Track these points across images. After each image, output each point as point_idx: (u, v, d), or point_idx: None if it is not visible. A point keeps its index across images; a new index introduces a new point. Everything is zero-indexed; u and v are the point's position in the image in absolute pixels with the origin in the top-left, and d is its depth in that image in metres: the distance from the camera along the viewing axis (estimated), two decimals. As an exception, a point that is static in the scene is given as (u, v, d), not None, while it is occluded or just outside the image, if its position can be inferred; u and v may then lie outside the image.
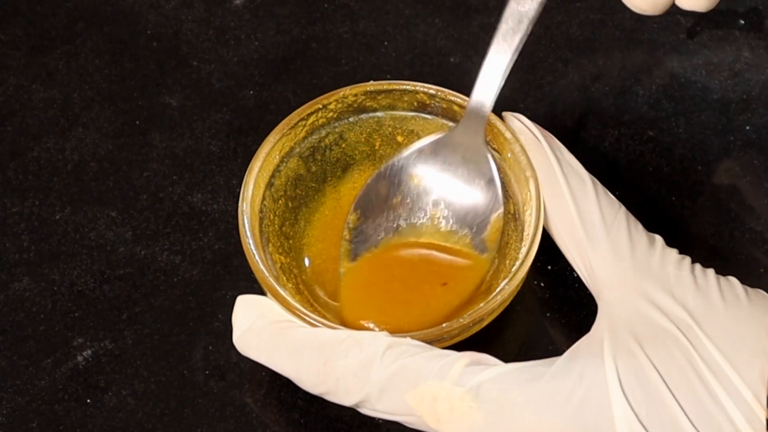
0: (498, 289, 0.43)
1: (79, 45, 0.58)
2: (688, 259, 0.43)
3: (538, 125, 0.47)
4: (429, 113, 0.49)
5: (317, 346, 0.41)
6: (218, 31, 0.58)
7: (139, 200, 0.52)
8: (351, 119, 0.49)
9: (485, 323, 0.44)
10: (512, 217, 0.47)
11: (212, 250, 0.50)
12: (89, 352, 0.48)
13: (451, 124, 0.49)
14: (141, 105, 0.55)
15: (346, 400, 0.41)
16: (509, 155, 0.47)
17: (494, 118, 0.47)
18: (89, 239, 0.51)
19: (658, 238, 0.44)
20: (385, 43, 0.58)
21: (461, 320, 0.42)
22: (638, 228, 0.44)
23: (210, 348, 0.47)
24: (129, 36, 0.58)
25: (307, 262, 0.48)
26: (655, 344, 0.40)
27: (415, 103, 0.49)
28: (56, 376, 0.47)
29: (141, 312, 0.49)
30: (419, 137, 0.49)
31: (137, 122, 0.55)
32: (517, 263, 0.44)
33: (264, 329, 0.43)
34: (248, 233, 0.45)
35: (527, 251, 0.44)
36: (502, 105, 0.55)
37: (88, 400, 0.46)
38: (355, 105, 0.49)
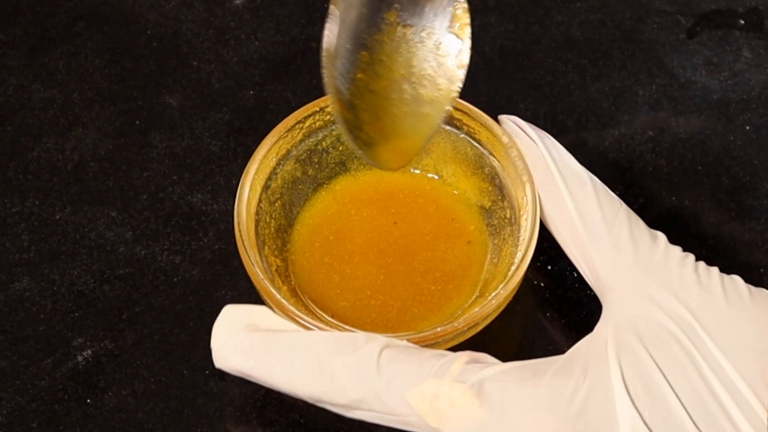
0: (494, 294, 0.43)
1: (79, 45, 0.58)
2: (691, 257, 0.42)
3: (534, 126, 0.47)
4: None
5: (310, 345, 0.41)
6: (218, 31, 0.58)
7: (139, 200, 0.52)
8: None
9: (480, 327, 0.44)
10: (509, 222, 0.47)
11: (212, 250, 0.50)
12: (89, 352, 0.48)
13: (447, 127, 0.48)
14: (141, 105, 0.55)
15: (341, 398, 0.41)
16: (506, 160, 0.47)
17: (491, 123, 0.47)
18: (89, 239, 0.51)
19: (661, 236, 0.43)
20: (385, 43, 0.58)
21: (456, 324, 0.42)
22: (640, 225, 0.44)
23: (210, 348, 0.47)
24: (129, 36, 0.58)
25: (303, 264, 0.48)
26: (658, 344, 0.40)
27: None
28: (56, 376, 0.47)
29: (141, 312, 0.49)
30: None
31: (137, 122, 0.55)
32: (513, 268, 0.44)
33: (253, 334, 0.42)
34: (244, 236, 0.45)
35: (522, 256, 0.44)
36: (502, 105, 0.55)
37: (88, 400, 0.46)
38: None
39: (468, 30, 0.44)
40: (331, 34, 0.41)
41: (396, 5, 0.43)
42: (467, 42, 0.44)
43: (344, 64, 0.42)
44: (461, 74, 0.44)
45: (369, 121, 0.43)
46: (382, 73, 0.43)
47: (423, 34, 0.44)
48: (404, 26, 0.44)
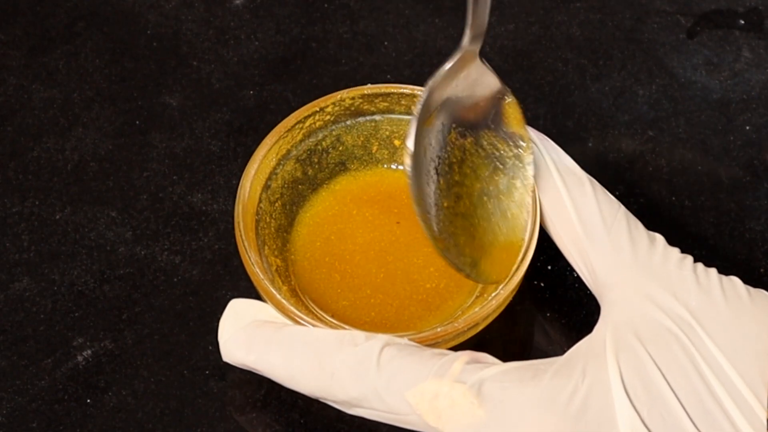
0: (494, 294, 0.43)
1: (79, 45, 0.58)
2: (690, 258, 0.43)
3: (532, 129, 0.46)
4: None
5: (311, 341, 0.41)
6: (218, 31, 0.58)
7: (139, 200, 0.52)
8: (348, 122, 0.49)
9: (480, 328, 0.44)
10: None
11: (212, 250, 0.50)
12: (89, 352, 0.48)
13: None
14: (141, 105, 0.55)
15: (341, 395, 0.41)
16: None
17: None
18: (89, 239, 0.51)
19: (659, 237, 0.44)
20: (385, 43, 0.58)
21: (456, 324, 0.42)
22: (638, 227, 0.44)
23: (210, 348, 0.47)
24: (129, 36, 0.58)
25: (303, 264, 0.48)
26: (657, 344, 0.40)
27: (413, 107, 0.49)
28: (56, 376, 0.47)
29: (141, 312, 0.49)
30: None
31: (137, 122, 0.55)
32: (513, 268, 0.44)
33: (256, 329, 0.43)
34: (244, 236, 0.45)
35: (522, 256, 0.44)
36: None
37: (88, 400, 0.46)
38: (353, 108, 0.49)
39: (522, 121, 0.45)
40: (414, 184, 0.42)
41: (453, 124, 0.44)
42: (525, 132, 0.45)
43: (430, 201, 0.43)
44: (529, 164, 0.45)
45: (467, 243, 0.44)
46: (462, 193, 0.44)
47: (483, 142, 0.45)
48: (464, 138, 0.44)
